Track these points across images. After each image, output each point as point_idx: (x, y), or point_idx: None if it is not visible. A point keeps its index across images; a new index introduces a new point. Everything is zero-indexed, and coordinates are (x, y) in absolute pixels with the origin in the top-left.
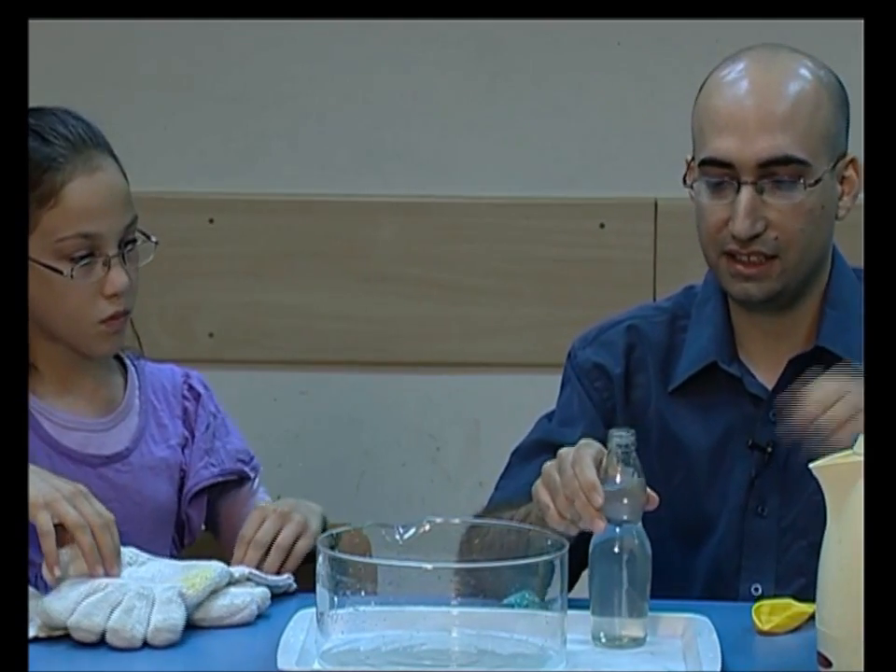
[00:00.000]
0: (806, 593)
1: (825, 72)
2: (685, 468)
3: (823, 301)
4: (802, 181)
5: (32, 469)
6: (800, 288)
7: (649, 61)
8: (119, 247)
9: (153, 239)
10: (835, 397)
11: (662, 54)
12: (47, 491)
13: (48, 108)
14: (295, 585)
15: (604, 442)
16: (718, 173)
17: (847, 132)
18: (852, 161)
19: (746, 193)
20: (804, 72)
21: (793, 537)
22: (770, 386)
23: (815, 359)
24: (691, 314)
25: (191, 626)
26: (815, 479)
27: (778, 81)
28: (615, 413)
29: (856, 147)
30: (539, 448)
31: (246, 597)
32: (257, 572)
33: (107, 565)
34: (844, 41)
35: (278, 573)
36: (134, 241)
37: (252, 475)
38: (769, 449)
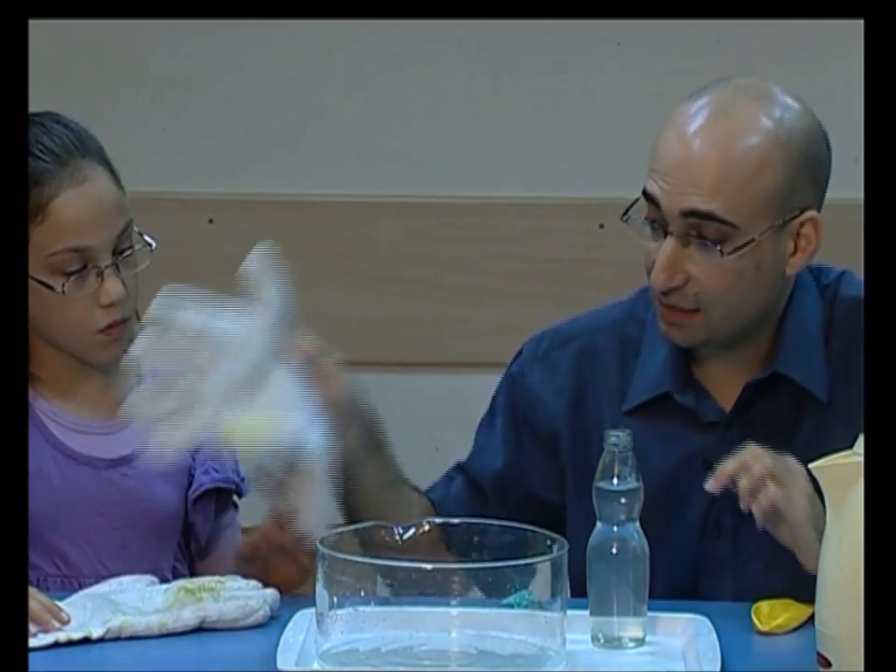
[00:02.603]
0: None
1: (792, 120)
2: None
3: (781, 324)
4: (723, 244)
5: None
6: (738, 334)
7: (649, 61)
8: (112, 256)
9: (149, 241)
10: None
11: (662, 54)
12: None
13: (34, 116)
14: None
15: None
16: (651, 211)
17: (818, 186)
18: (811, 219)
19: (667, 244)
20: (759, 125)
21: (748, 557)
22: (727, 408)
23: (772, 384)
24: (646, 321)
25: (206, 629)
26: None
27: (724, 136)
28: (558, 439)
29: (856, 151)
30: (456, 470)
31: (259, 599)
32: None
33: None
34: (844, 41)
35: None
36: (130, 247)
37: (242, 493)
38: None
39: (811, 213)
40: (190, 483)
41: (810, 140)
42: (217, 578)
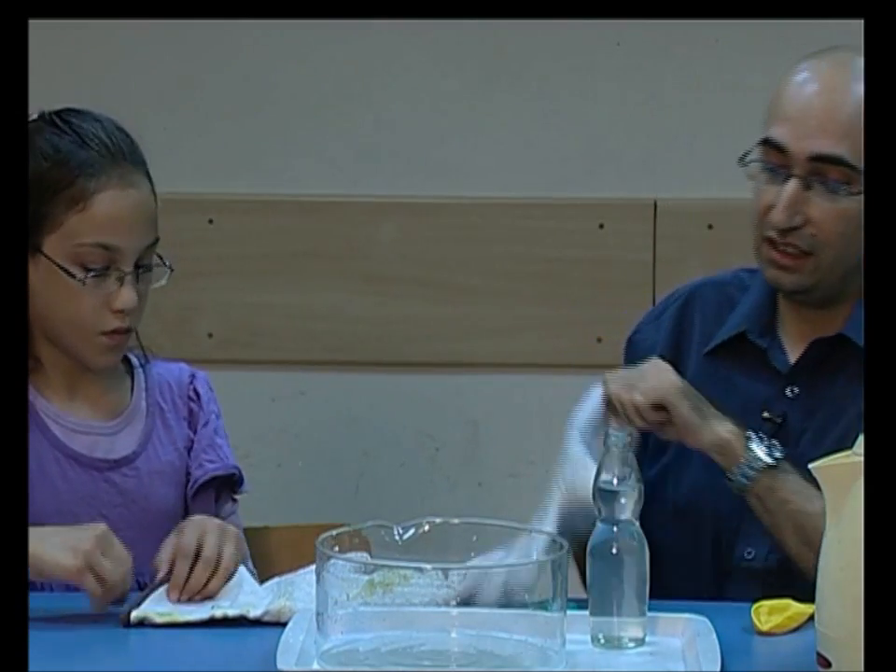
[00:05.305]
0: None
1: None
2: None
3: (856, 298)
4: (848, 186)
5: (35, 530)
6: (837, 287)
7: (649, 61)
8: (135, 266)
9: (168, 264)
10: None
11: (662, 54)
12: (75, 548)
13: (93, 113)
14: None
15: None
16: (773, 157)
17: None
18: None
19: (791, 185)
20: None
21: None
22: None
23: (837, 345)
24: (747, 286)
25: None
26: (821, 456)
27: (849, 87)
28: None
29: None
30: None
31: (309, 602)
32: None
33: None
34: (844, 41)
35: (206, 585)
36: (150, 264)
37: (239, 482)
38: (779, 421)
39: None
40: (188, 481)
41: None
42: (404, 573)
